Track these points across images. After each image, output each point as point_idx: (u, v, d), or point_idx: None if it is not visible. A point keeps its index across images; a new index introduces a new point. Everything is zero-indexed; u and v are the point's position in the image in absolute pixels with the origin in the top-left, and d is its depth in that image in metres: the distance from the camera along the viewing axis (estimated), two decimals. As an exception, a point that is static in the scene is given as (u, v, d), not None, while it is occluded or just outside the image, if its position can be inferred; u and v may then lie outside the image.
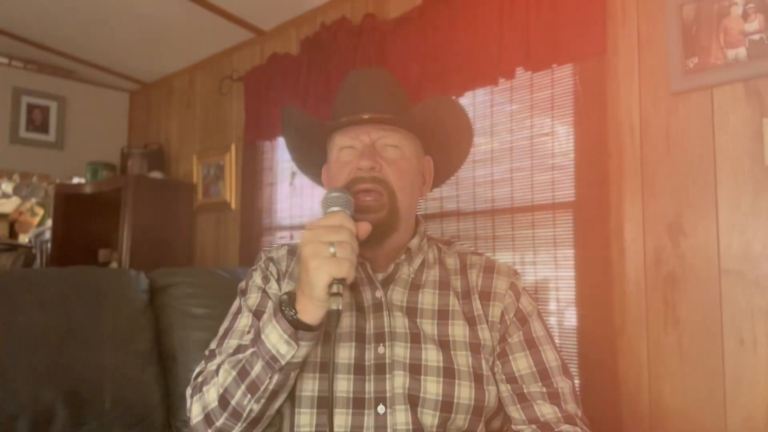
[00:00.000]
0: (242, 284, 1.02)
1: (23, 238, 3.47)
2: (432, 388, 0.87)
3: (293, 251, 1.03)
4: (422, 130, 0.98)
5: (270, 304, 0.95)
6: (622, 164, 1.61)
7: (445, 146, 1.04)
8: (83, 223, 3.29)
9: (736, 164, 1.42)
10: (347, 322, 0.91)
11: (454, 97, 1.09)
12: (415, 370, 0.88)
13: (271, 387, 0.80)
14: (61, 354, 1.27)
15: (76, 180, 3.41)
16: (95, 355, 1.32)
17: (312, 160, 1.08)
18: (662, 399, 1.51)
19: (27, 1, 2.56)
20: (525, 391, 0.91)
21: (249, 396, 0.81)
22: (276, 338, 0.79)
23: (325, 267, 0.74)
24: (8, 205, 3.42)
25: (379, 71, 1.01)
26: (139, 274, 1.56)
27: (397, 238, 0.96)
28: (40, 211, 3.52)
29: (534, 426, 0.89)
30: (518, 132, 1.88)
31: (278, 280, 0.98)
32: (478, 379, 0.90)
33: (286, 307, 0.79)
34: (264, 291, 0.97)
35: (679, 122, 1.52)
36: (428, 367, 0.88)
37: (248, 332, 0.92)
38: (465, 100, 2.00)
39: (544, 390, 0.91)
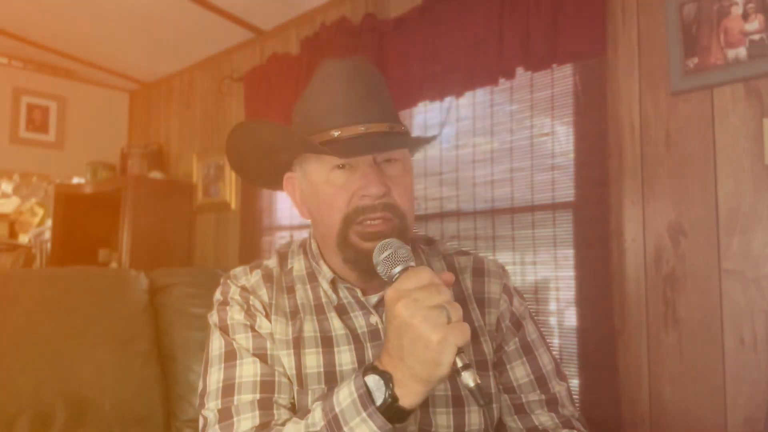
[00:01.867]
0: (214, 318, 0.87)
1: (23, 238, 3.46)
2: (442, 420, 0.81)
3: (268, 276, 0.89)
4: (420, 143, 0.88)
5: (270, 346, 0.82)
6: (622, 164, 1.61)
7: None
8: (83, 223, 3.29)
9: (736, 164, 1.42)
10: (348, 357, 0.81)
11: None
12: (423, 402, 0.77)
13: None
14: (61, 354, 1.27)
15: (76, 180, 3.40)
16: (95, 355, 1.32)
17: (264, 169, 0.92)
18: (662, 399, 1.51)
19: (27, 1, 2.56)
20: (524, 401, 0.89)
21: None
22: None
23: (451, 338, 0.61)
24: (8, 205, 3.42)
25: (362, 63, 0.86)
26: (139, 274, 1.56)
27: None
28: (40, 211, 3.52)
29: None
30: (518, 132, 1.88)
31: (266, 316, 0.84)
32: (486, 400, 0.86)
33: (381, 391, 0.65)
34: (253, 329, 0.83)
35: (679, 122, 1.52)
36: (436, 398, 0.81)
37: (260, 381, 0.79)
38: (465, 100, 2.00)
39: (543, 397, 0.89)
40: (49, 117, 3.41)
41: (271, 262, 0.92)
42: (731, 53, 1.42)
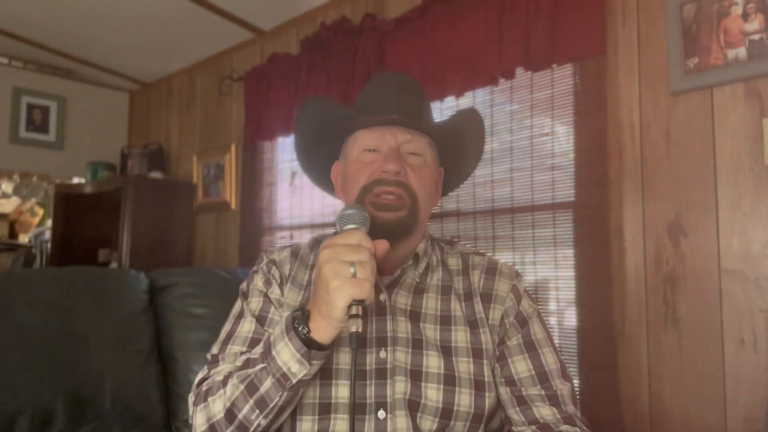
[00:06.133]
0: (243, 286, 1.01)
1: (23, 238, 3.47)
2: (432, 395, 0.87)
3: (296, 253, 1.02)
4: (445, 141, 0.98)
5: (273, 311, 0.95)
6: (622, 164, 1.61)
7: (457, 159, 1.04)
8: (83, 223, 3.29)
9: (736, 164, 1.42)
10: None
11: (475, 110, 1.04)
12: (416, 376, 0.88)
13: (279, 403, 0.80)
14: (61, 354, 1.27)
15: (76, 180, 3.41)
16: (95, 355, 1.32)
17: (319, 159, 1.05)
18: (662, 399, 1.51)
19: (27, 1, 2.56)
20: (524, 393, 0.92)
21: (257, 411, 0.81)
22: (288, 356, 0.78)
23: (346, 288, 0.72)
24: (8, 205, 3.43)
25: (406, 76, 1.00)
26: (139, 274, 1.56)
27: (410, 243, 0.95)
28: (40, 211, 3.52)
29: (533, 427, 0.89)
30: (518, 132, 1.88)
31: (281, 285, 0.97)
32: (478, 386, 0.90)
33: (300, 324, 0.78)
34: (266, 295, 0.97)
35: (679, 122, 1.52)
36: (429, 374, 0.88)
37: (250, 338, 0.92)
38: (465, 100, 2.00)
39: (543, 393, 0.91)
40: (49, 117, 3.41)
41: (304, 243, 1.06)
42: (731, 53, 1.42)
